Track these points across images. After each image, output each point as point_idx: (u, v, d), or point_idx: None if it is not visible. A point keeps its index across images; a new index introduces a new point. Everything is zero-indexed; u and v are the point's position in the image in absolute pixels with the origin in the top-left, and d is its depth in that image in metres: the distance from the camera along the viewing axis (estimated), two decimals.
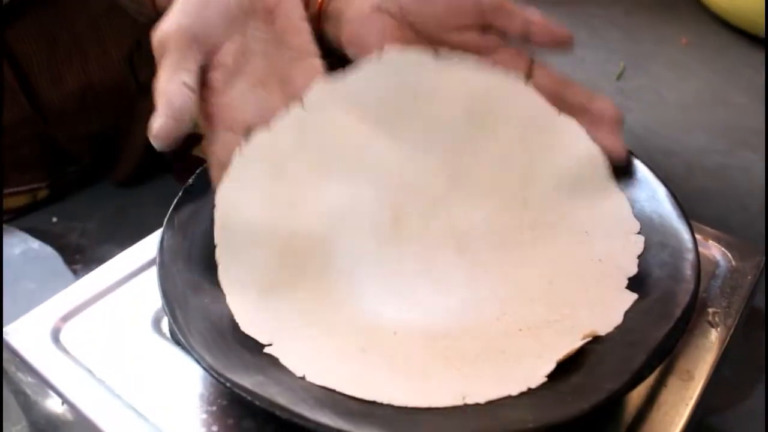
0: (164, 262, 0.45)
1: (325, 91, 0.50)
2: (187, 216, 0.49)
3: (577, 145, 0.50)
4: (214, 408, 0.43)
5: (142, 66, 0.82)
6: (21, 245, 0.77)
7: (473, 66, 0.52)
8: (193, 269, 0.45)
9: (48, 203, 0.87)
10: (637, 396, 0.44)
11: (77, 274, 0.75)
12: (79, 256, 0.79)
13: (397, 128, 0.51)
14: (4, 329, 0.50)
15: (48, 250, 0.77)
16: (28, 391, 0.49)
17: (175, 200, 0.49)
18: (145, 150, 0.86)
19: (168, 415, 0.43)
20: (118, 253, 0.56)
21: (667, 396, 0.44)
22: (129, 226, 0.84)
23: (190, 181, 0.51)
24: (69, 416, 0.46)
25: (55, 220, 0.86)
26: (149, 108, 0.82)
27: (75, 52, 0.80)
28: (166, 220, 0.48)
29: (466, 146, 0.51)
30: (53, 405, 0.47)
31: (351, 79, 0.51)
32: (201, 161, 0.52)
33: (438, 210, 0.50)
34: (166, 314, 0.42)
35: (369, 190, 0.49)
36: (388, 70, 0.51)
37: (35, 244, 0.77)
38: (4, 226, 0.80)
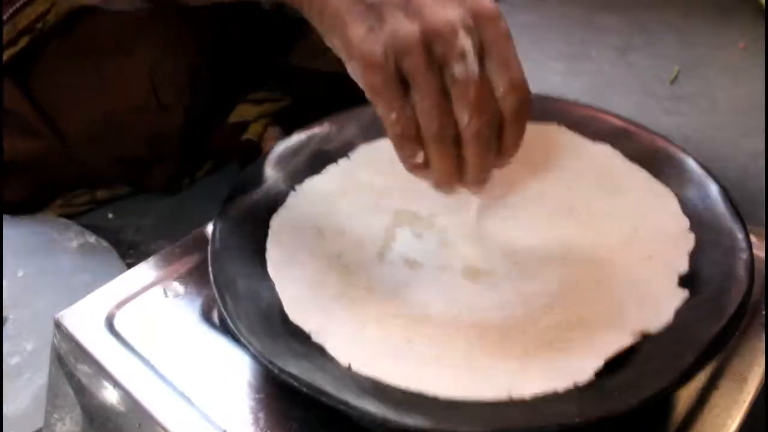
0: (216, 252, 0.46)
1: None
2: (238, 209, 0.50)
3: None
4: (262, 395, 0.44)
5: (163, 84, 0.83)
6: (78, 239, 0.79)
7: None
8: (245, 259, 0.46)
9: (105, 202, 0.90)
10: (687, 397, 0.43)
11: (131, 267, 0.76)
12: (133, 251, 0.81)
13: None
14: (60, 313, 0.51)
15: (104, 245, 0.79)
16: (83, 379, 0.50)
17: (228, 193, 0.50)
18: (178, 163, 0.88)
19: (216, 401, 0.43)
20: None
21: (718, 399, 0.43)
22: (182, 223, 0.85)
23: (242, 173, 0.52)
24: (121, 406, 0.47)
25: (111, 216, 0.88)
26: (176, 126, 0.83)
27: (95, 79, 0.80)
28: (218, 211, 0.49)
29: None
30: (107, 394, 0.48)
31: None
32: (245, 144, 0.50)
33: (485, 220, 0.50)
34: (217, 301, 0.42)
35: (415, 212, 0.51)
36: None
37: (92, 238, 0.79)
38: (64, 220, 0.83)
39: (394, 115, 0.41)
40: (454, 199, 0.46)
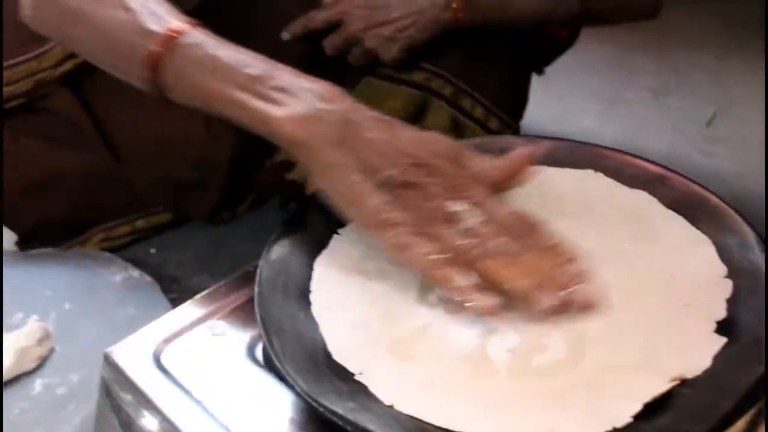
0: (263, 293, 0.47)
1: None
2: (284, 250, 0.51)
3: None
4: None
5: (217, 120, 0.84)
6: (122, 273, 0.82)
7: None
8: (290, 300, 0.48)
9: (147, 236, 0.92)
10: None
11: (174, 302, 0.78)
12: (176, 286, 0.83)
13: None
14: (109, 348, 0.53)
15: (147, 279, 0.81)
16: (129, 412, 0.52)
17: (273, 236, 0.52)
18: (223, 193, 0.90)
19: None
20: (212, 283, 0.59)
21: None
22: (223, 258, 0.88)
23: (287, 216, 0.54)
24: None
25: (153, 251, 0.91)
26: (224, 156, 0.82)
27: (153, 107, 0.77)
28: (264, 253, 0.50)
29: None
30: (153, 426, 0.49)
31: None
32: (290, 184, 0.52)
33: None
34: (263, 340, 0.44)
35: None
36: None
37: (135, 272, 0.82)
38: (108, 255, 0.85)
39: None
40: None
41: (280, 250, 0.51)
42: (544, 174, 0.58)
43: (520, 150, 0.55)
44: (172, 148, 0.84)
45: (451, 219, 0.50)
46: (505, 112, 0.87)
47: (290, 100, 0.51)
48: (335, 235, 0.53)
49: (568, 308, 0.46)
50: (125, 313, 0.75)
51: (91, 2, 0.60)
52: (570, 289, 0.47)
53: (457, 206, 0.50)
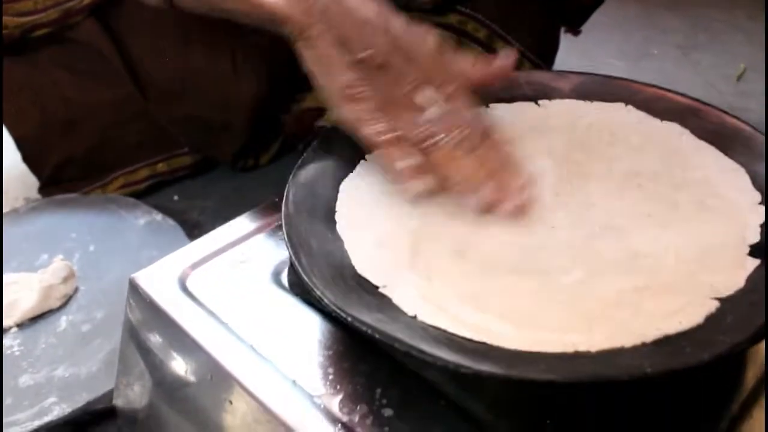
0: (290, 214, 0.47)
1: None
2: (310, 173, 0.51)
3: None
4: (331, 352, 0.45)
5: (242, 50, 0.83)
6: (145, 217, 0.82)
7: None
8: (316, 221, 0.48)
9: (170, 183, 0.92)
10: (758, 366, 0.43)
11: None
12: (197, 231, 0.83)
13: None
14: (135, 274, 0.53)
15: (170, 223, 0.81)
16: (155, 339, 0.52)
17: (300, 159, 0.52)
18: (247, 136, 0.90)
19: (287, 357, 0.45)
20: None
21: None
22: (245, 206, 0.87)
23: (315, 142, 0.53)
24: (193, 360, 0.48)
25: (176, 198, 0.91)
26: (249, 94, 0.82)
27: (179, 38, 0.82)
28: (291, 176, 0.50)
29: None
30: (180, 348, 0.49)
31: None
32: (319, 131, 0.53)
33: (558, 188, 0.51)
34: (291, 258, 0.44)
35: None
36: None
37: (158, 216, 0.82)
38: (132, 200, 0.85)
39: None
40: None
41: (307, 174, 0.51)
42: (573, 105, 0.57)
43: (503, 57, 0.56)
44: (198, 84, 0.84)
45: (415, 107, 0.52)
46: (538, 56, 0.87)
47: None
48: (362, 161, 0.53)
49: (496, 210, 0.48)
50: (149, 254, 0.76)
51: None
52: (508, 194, 0.49)
53: (425, 96, 0.52)
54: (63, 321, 0.70)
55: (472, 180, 0.50)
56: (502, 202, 0.48)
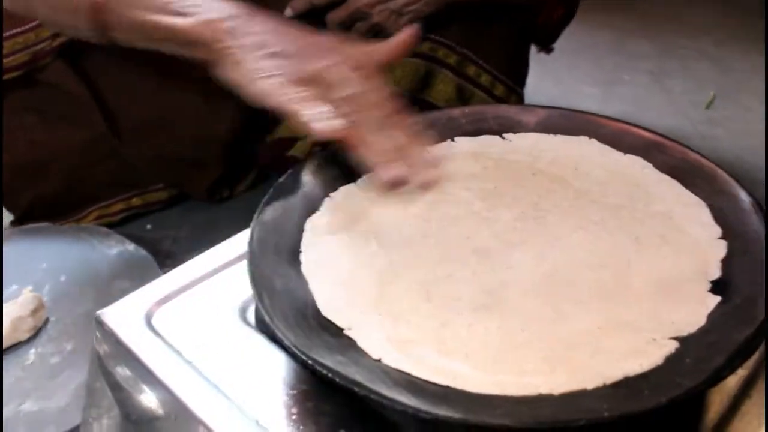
0: (254, 252, 0.47)
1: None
2: (276, 212, 0.51)
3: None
4: (295, 392, 0.44)
5: (215, 89, 0.84)
6: (118, 246, 0.82)
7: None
8: (281, 260, 0.48)
9: (143, 213, 0.92)
10: (718, 403, 0.43)
11: None
12: (170, 261, 0.83)
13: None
14: (101, 311, 0.52)
15: (142, 253, 0.81)
16: (121, 374, 0.51)
17: (265, 197, 0.52)
18: (221, 170, 0.90)
19: (250, 395, 0.44)
20: None
21: (750, 407, 0.43)
22: (218, 236, 0.87)
23: (280, 179, 0.53)
24: (158, 399, 0.48)
25: (149, 227, 0.90)
26: (223, 130, 0.82)
27: (151, 76, 0.82)
28: (256, 214, 0.50)
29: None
30: (144, 388, 0.49)
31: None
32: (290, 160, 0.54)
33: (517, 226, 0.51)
34: (255, 298, 0.44)
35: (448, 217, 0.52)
36: None
37: (131, 246, 0.81)
38: (104, 229, 0.85)
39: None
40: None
41: (272, 212, 0.51)
42: (537, 138, 0.57)
43: (402, 32, 0.60)
44: (172, 121, 0.84)
45: (327, 85, 0.55)
46: (510, 78, 0.87)
47: (199, 9, 0.58)
48: (327, 199, 0.53)
49: (407, 184, 0.53)
50: (120, 285, 0.75)
51: None
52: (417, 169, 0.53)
53: (338, 74, 0.55)
54: (31, 354, 0.69)
55: (382, 157, 0.53)
56: (411, 178, 0.53)
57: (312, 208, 0.52)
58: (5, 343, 0.70)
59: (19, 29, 0.79)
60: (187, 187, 0.92)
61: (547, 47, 0.98)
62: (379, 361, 0.40)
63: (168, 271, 0.79)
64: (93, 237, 0.84)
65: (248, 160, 0.94)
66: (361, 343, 0.41)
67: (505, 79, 0.88)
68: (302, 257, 0.48)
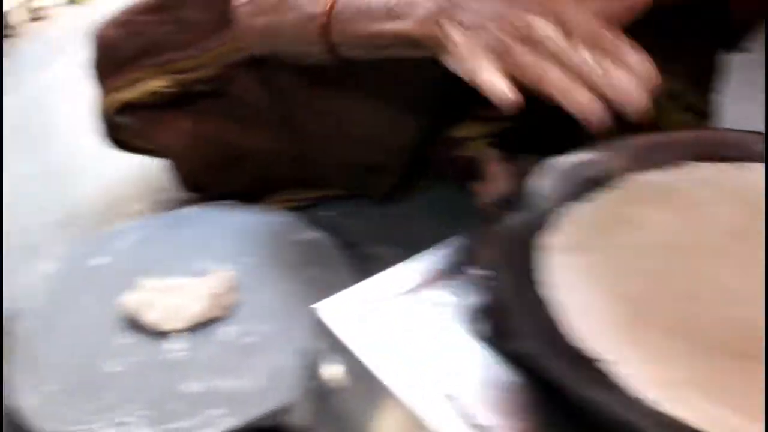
0: (496, 270, 0.46)
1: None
2: (508, 230, 0.50)
3: None
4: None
5: (399, 95, 0.84)
6: (304, 232, 0.83)
7: None
8: (521, 280, 0.46)
9: (328, 201, 0.94)
10: None
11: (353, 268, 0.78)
12: (350, 252, 0.83)
13: None
14: (317, 305, 0.52)
15: (328, 241, 0.82)
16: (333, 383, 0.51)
17: (498, 208, 0.51)
18: (402, 174, 0.91)
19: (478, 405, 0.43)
20: (388, 254, 0.58)
21: None
22: (401, 230, 0.88)
23: (509, 195, 0.53)
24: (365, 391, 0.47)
25: (334, 215, 0.92)
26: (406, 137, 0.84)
27: (336, 89, 0.83)
28: (488, 231, 0.49)
29: None
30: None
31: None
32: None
33: None
34: (493, 316, 0.42)
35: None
36: None
37: (317, 233, 0.83)
38: (291, 215, 0.87)
39: None
40: None
41: (505, 230, 0.50)
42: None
43: None
44: (354, 131, 0.85)
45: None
46: (703, 89, 0.83)
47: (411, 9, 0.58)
48: (565, 217, 0.51)
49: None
50: (310, 272, 0.76)
51: (273, 15, 0.70)
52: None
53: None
54: (226, 331, 0.71)
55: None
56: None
57: (549, 225, 0.51)
58: (201, 318, 0.71)
59: (214, 43, 0.83)
60: (365, 190, 0.93)
61: (736, 47, 0.91)
62: (649, 401, 0.38)
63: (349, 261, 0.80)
64: (280, 222, 0.85)
65: (424, 162, 0.94)
66: (619, 377, 0.39)
67: (699, 90, 0.84)
68: (544, 278, 0.46)
